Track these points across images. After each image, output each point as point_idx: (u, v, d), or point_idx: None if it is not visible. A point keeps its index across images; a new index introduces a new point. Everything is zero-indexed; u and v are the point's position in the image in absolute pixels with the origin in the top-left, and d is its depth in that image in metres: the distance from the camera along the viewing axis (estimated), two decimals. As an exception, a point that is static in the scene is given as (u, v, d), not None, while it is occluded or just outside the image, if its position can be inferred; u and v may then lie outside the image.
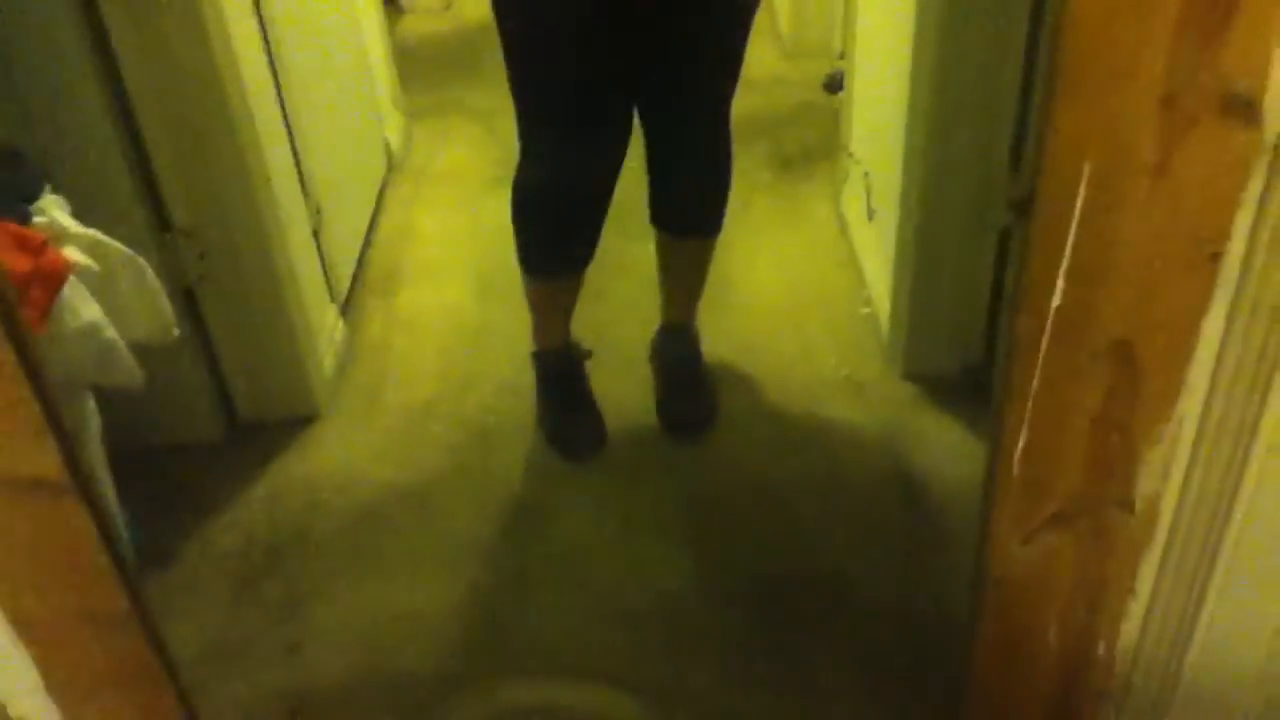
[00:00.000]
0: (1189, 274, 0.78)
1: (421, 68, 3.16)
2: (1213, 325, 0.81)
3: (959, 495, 1.71)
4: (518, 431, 1.93)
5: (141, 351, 1.43)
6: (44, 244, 1.29)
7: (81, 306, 1.31)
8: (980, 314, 1.88)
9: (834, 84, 2.71)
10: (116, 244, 1.39)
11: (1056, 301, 0.77)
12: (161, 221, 1.74)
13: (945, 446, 1.82)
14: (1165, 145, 0.72)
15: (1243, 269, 0.79)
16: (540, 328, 1.91)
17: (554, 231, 1.77)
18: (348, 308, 2.20)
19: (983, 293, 1.86)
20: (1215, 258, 0.78)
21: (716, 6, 1.59)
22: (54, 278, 1.28)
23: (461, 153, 2.81)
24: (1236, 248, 0.78)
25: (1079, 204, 0.73)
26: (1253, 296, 0.79)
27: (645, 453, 1.87)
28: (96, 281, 1.37)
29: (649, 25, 1.54)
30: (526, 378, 1.98)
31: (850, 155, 2.30)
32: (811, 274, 2.26)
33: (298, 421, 1.95)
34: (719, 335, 2.05)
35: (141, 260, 1.43)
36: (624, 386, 1.98)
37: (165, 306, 1.46)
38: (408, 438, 1.93)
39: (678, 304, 1.94)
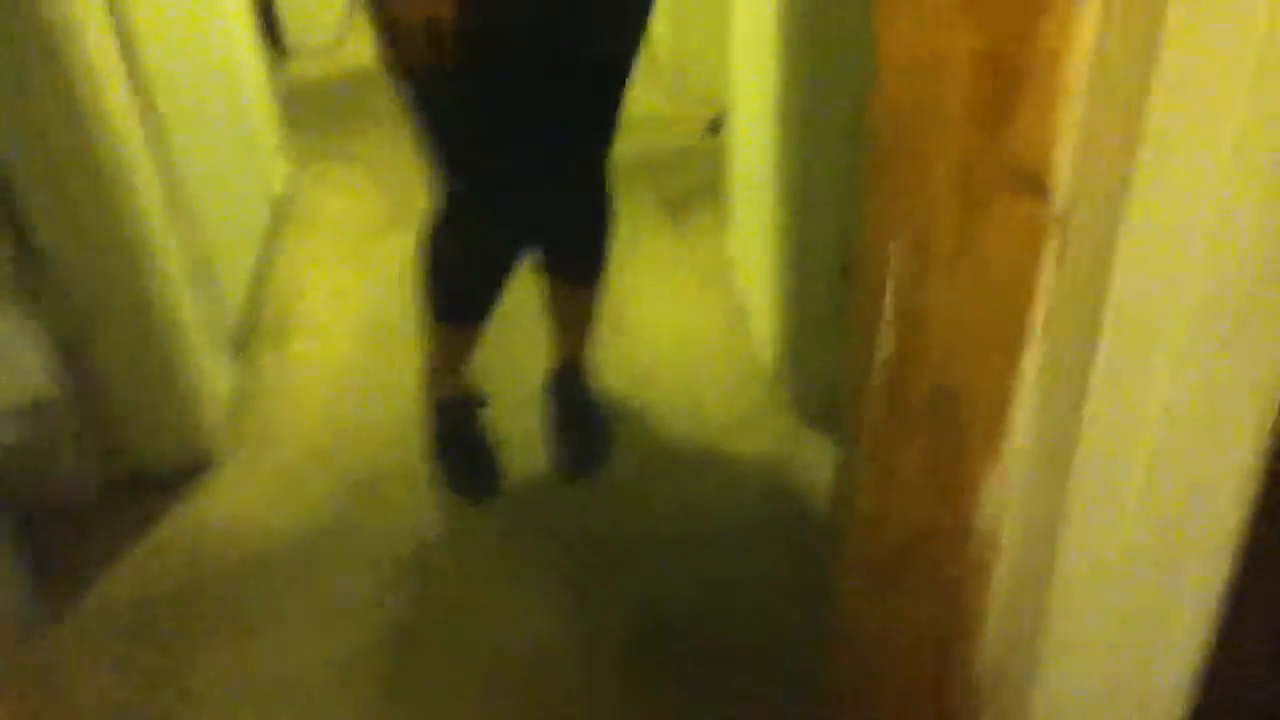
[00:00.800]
0: (999, 331, 0.87)
1: (308, 111, 3.16)
2: (1028, 371, 0.90)
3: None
4: (407, 482, 1.95)
5: (21, 411, 1.43)
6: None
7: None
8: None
9: (716, 126, 2.80)
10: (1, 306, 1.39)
11: (881, 356, 0.84)
12: (36, 273, 1.73)
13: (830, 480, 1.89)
14: (965, 220, 0.80)
15: (1046, 323, 0.87)
16: (439, 375, 1.93)
17: (472, 281, 1.79)
18: (239, 357, 2.20)
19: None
20: (1021, 316, 0.86)
21: (601, 54, 1.64)
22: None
23: (349, 200, 2.82)
24: (1039, 306, 0.86)
25: (892, 276, 0.80)
26: (1056, 345, 0.87)
27: (535, 495, 1.92)
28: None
29: (539, 74, 1.57)
30: (417, 428, 2.01)
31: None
32: (698, 314, 2.33)
33: (186, 472, 1.94)
34: (608, 374, 2.10)
35: (19, 320, 1.42)
36: (515, 426, 2.02)
37: (48, 363, 1.46)
38: (297, 489, 1.94)
39: (566, 346, 1.99)
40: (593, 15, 1.58)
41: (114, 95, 1.73)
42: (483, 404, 1.98)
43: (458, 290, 1.81)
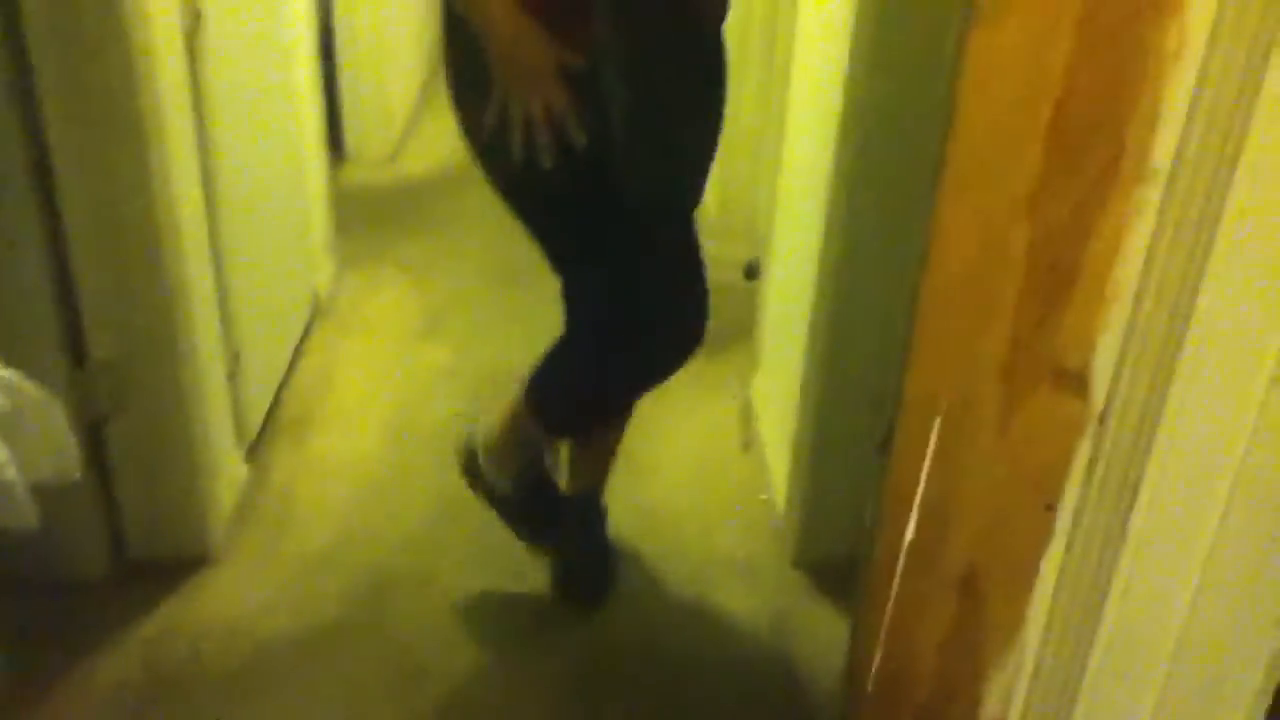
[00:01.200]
0: (1028, 519, 0.87)
1: (357, 216, 3.24)
2: (1051, 564, 0.89)
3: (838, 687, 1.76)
4: (414, 587, 1.93)
5: (40, 488, 1.43)
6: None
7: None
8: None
9: (753, 270, 2.84)
10: (32, 386, 1.41)
11: (909, 537, 0.84)
12: (76, 354, 1.76)
13: (830, 637, 1.85)
14: (1005, 409, 0.81)
15: (1074, 518, 0.87)
16: (521, 458, 1.86)
17: (586, 399, 1.80)
18: (256, 450, 2.20)
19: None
20: (1051, 507, 0.86)
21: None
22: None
23: (388, 304, 2.87)
24: (1070, 499, 0.86)
25: (929, 453, 0.80)
26: (1083, 543, 0.87)
27: (538, 616, 1.89)
28: (4, 421, 1.38)
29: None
30: (429, 532, 1.99)
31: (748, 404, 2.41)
32: (716, 455, 2.33)
33: (190, 563, 1.93)
34: (621, 506, 2.09)
35: (55, 403, 1.44)
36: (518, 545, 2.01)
37: (72, 449, 1.47)
38: (301, 588, 1.92)
39: (585, 478, 1.99)
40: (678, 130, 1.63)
41: (185, 183, 1.79)
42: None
43: (571, 404, 1.81)
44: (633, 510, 2.12)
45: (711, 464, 2.31)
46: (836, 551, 1.98)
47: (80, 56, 1.59)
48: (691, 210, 1.74)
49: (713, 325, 2.80)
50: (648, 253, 1.66)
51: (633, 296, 1.68)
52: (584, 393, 1.80)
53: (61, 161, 1.65)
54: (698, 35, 1.58)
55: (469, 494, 1.98)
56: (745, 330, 2.65)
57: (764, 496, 2.20)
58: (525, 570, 1.96)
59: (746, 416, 2.41)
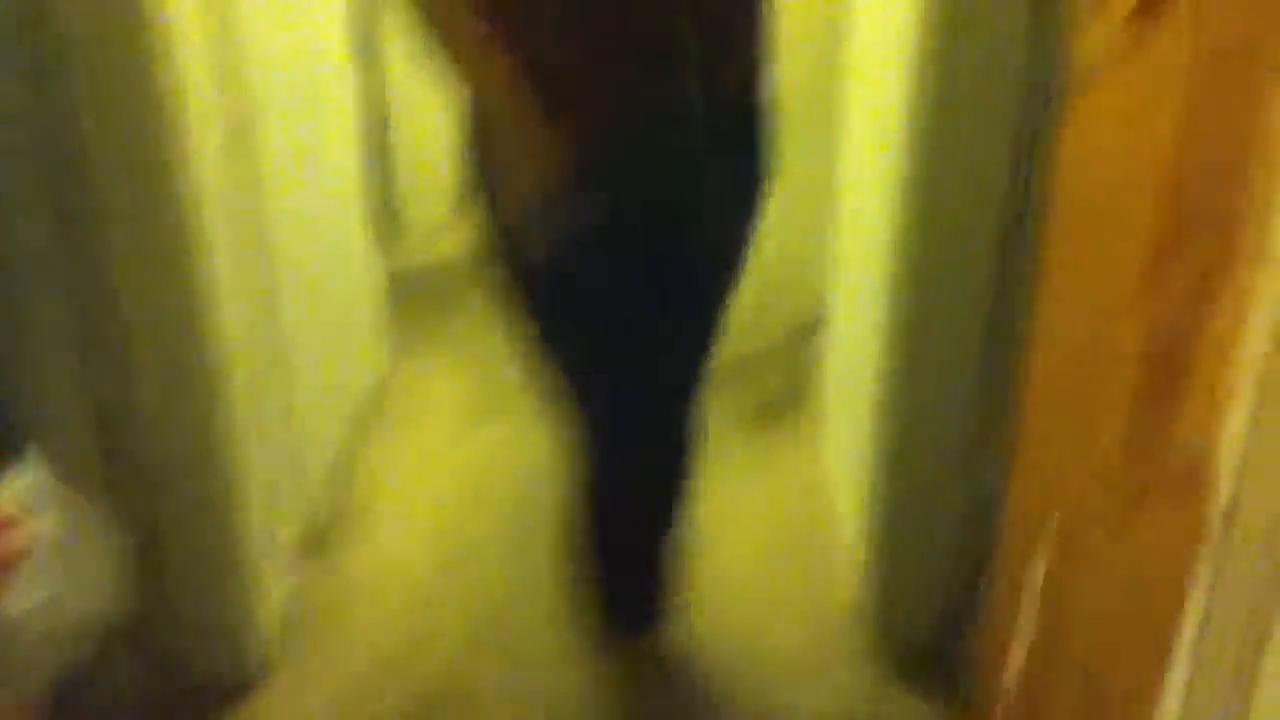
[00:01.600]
0: (1150, 635, 0.78)
1: (412, 294, 3.19)
2: (1177, 685, 0.80)
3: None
4: (478, 698, 1.85)
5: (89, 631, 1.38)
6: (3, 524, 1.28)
7: (36, 586, 1.29)
8: (955, 588, 1.82)
9: (811, 330, 2.76)
10: (91, 516, 1.38)
11: (1020, 662, 0.76)
12: (119, 469, 1.72)
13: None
14: (1119, 514, 0.73)
15: (1201, 627, 0.78)
16: None
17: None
18: (308, 555, 2.14)
19: (958, 565, 1.80)
20: (1173, 621, 0.77)
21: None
22: (7, 563, 1.27)
23: (443, 389, 2.82)
24: (1195, 612, 0.77)
25: (1038, 564, 0.73)
26: (1211, 663, 0.78)
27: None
28: (60, 554, 1.34)
29: None
30: (477, 645, 1.92)
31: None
32: (783, 532, 2.22)
33: (239, 685, 1.85)
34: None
35: (113, 532, 1.41)
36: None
37: (125, 577, 1.44)
38: (364, 701, 1.85)
39: None
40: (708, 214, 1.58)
41: (232, 289, 1.76)
42: None
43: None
44: (696, 594, 2.01)
45: (778, 542, 2.20)
46: (922, 641, 1.85)
47: (132, 163, 1.57)
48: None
49: (763, 395, 2.71)
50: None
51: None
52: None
53: (112, 274, 1.63)
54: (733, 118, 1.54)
55: (512, 601, 1.86)
56: (796, 399, 2.55)
57: (835, 574, 2.08)
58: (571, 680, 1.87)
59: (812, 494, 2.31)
